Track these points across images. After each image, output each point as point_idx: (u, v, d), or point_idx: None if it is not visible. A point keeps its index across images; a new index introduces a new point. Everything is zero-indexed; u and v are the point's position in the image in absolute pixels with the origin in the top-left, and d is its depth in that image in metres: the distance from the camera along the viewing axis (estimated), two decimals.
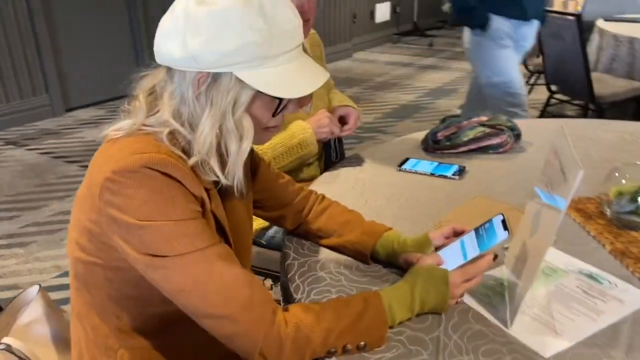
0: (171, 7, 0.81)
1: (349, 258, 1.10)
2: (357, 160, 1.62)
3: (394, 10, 7.29)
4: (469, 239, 1.00)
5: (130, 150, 0.78)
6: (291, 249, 1.14)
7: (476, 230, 1.01)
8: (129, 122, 0.83)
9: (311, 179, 1.66)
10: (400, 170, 1.52)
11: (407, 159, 1.57)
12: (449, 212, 1.29)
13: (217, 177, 0.85)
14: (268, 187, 1.12)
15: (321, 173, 1.68)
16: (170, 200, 0.77)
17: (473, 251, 0.96)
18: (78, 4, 4.42)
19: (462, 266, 0.95)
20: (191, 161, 0.82)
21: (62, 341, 1.03)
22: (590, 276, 1.04)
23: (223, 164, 0.85)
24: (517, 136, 1.67)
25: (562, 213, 0.82)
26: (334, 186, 1.45)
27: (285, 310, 0.84)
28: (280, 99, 0.84)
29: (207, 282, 0.78)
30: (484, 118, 1.70)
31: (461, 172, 1.48)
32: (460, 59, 6.26)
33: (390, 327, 0.88)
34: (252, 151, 1.10)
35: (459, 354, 0.84)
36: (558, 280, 1.03)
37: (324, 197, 1.19)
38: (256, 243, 1.61)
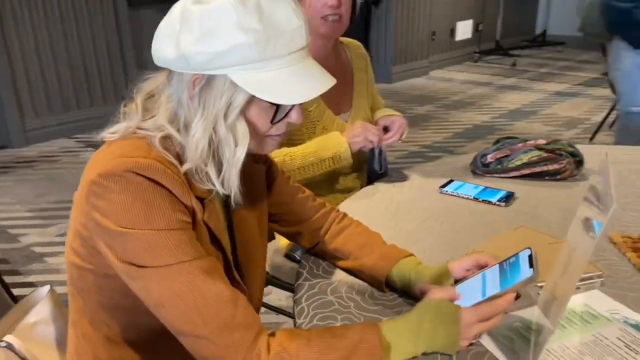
0: (170, 9, 0.78)
1: (365, 283, 1.03)
2: (399, 178, 1.54)
3: (476, 29, 7.07)
4: (492, 274, 0.89)
5: (119, 154, 0.76)
6: (306, 268, 1.08)
7: (500, 264, 0.90)
8: (124, 125, 0.81)
9: (348, 191, 1.60)
10: (441, 192, 1.42)
11: (451, 181, 1.47)
12: (486, 241, 1.18)
13: (213, 185, 0.81)
14: (285, 201, 1.07)
15: (362, 186, 1.61)
16: (154, 208, 0.74)
17: (493, 288, 0.86)
18: None
19: (478, 304, 0.85)
20: (184, 167, 0.78)
21: (65, 344, 1.02)
22: (637, 327, 0.89)
23: (220, 172, 0.81)
24: (579, 163, 1.52)
25: (590, 251, 0.70)
26: (367, 204, 1.38)
27: (272, 335, 0.77)
28: (278, 106, 0.79)
29: (187, 298, 0.74)
30: (541, 141, 1.56)
31: (508, 198, 1.36)
32: (545, 80, 5.95)
33: None
34: (270, 163, 1.06)
35: None
36: (598, 329, 0.90)
37: (344, 215, 1.12)
38: (291, 258, 1.56)
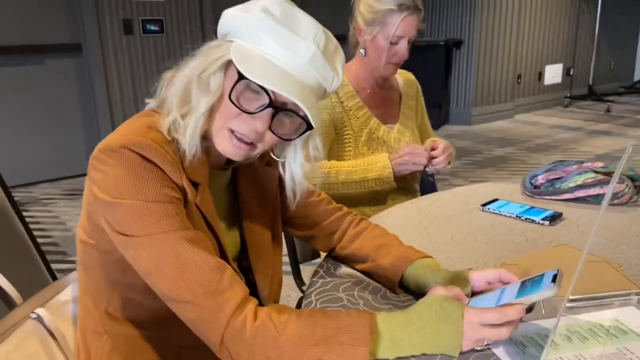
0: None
1: (379, 285, 1.00)
2: (442, 195, 1.50)
3: (567, 73, 6.82)
4: (512, 289, 0.83)
5: (122, 132, 0.82)
6: (323, 267, 1.08)
7: (523, 282, 0.83)
8: (153, 101, 0.88)
9: None
10: (483, 210, 1.37)
11: (495, 200, 1.41)
12: (521, 255, 1.11)
13: (203, 161, 0.85)
14: (297, 205, 1.07)
15: None
16: (144, 181, 0.78)
17: (507, 300, 0.80)
18: None
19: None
20: (165, 123, 0.83)
21: None
22: None
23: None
24: (638, 188, 1.41)
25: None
26: (403, 215, 1.36)
27: (260, 307, 0.78)
28: (240, 78, 0.80)
29: (171, 265, 0.76)
30: (599, 164, 1.46)
31: (554, 218, 1.28)
32: None
33: None
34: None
35: None
36: (624, 343, 0.81)
37: (361, 219, 1.11)
38: None
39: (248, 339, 0.74)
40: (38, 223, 3.38)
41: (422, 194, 1.71)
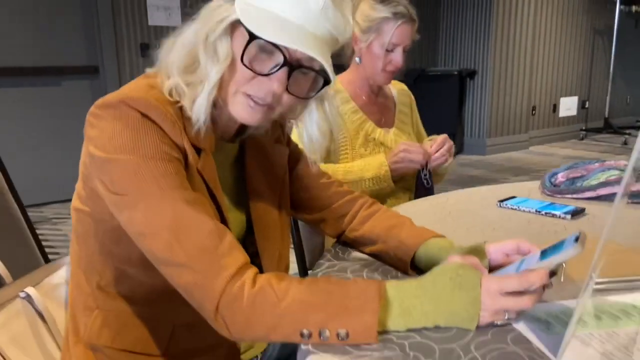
0: None
1: (390, 267, 0.93)
2: (456, 193, 1.44)
3: (582, 106, 6.77)
4: (532, 259, 0.76)
5: (121, 90, 0.77)
6: (331, 252, 1.01)
7: (543, 251, 0.76)
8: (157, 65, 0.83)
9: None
10: (500, 206, 1.30)
11: (513, 197, 1.35)
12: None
13: (183, 100, 0.78)
14: (308, 186, 1.02)
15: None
16: (142, 137, 0.73)
17: (527, 268, 0.73)
18: None
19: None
20: (167, 85, 0.78)
21: None
22: None
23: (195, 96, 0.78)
24: None
25: None
26: (417, 210, 1.29)
27: (260, 274, 0.71)
28: (252, 38, 0.75)
29: (168, 226, 0.70)
30: (623, 162, 1.40)
31: (576, 213, 1.21)
32: None
33: (393, 332, 0.70)
34: (293, 146, 1.03)
35: None
36: None
37: (373, 202, 1.04)
38: None
39: (246, 306, 0.68)
40: (47, 241, 3.35)
41: (417, 188, 1.65)
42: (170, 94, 0.78)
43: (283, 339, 0.69)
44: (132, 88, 0.78)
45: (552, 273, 0.73)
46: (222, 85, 0.79)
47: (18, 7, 3.70)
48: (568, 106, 6.65)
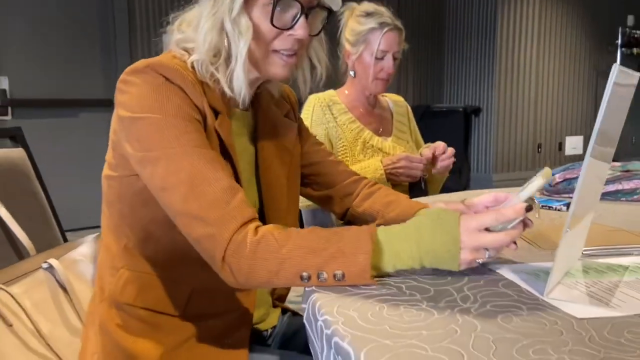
0: None
1: None
2: (465, 192, 1.50)
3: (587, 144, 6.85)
4: (509, 202, 0.83)
5: (149, 59, 0.85)
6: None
7: (519, 193, 0.81)
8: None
9: None
10: None
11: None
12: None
13: (218, 79, 0.87)
14: (316, 162, 1.09)
15: None
16: (166, 98, 0.81)
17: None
18: None
19: None
20: (192, 58, 0.86)
21: None
22: None
23: (227, 68, 0.87)
24: None
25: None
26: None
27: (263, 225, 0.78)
28: (276, 2, 0.84)
29: (186, 179, 0.77)
30: (616, 164, 1.46)
31: None
32: None
33: (385, 275, 0.76)
34: (300, 122, 1.11)
35: (462, 302, 0.67)
36: None
37: (375, 183, 1.11)
38: None
39: (249, 253, 0.74)
40: None
41: (412, 191, 1.72)
42: (193, 67, 0.87)
43: (285, 283, 0.75)
44: (158, 58, 0.86)
45: (528, 208, 0.76)
46: (250, 52, 0.88)
47: (39, 43, 3.88)
48: (574, 145, 6.72)
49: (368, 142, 1.70)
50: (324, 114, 1.71)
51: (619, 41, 6.63)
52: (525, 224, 0.77)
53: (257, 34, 0.87)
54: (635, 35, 6.76)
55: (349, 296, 0.70)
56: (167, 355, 0.88)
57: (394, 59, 1.67)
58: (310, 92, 1.11)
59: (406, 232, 0.76)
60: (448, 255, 0.73)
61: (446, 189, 1.82)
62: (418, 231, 0.75)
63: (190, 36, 0.89)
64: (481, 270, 0.79)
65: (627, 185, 1.37)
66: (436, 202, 0.88)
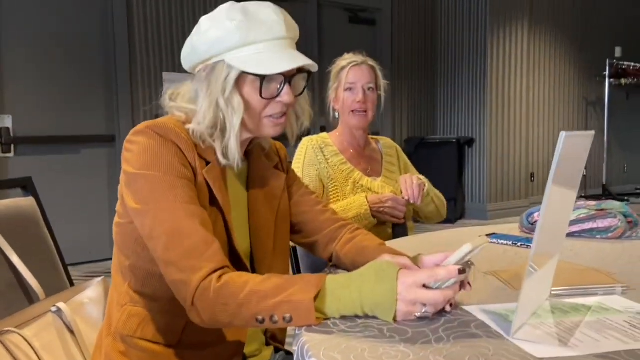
0: None
1: None
2: (438, 233, 1.57)
3: None
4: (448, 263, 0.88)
5: (149, 121, 0.99)
6: (327, 272, 1.14)
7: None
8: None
9: None
10: None
11: (493, 233, 1.48)
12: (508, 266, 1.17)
13: (214, 147, 1.00)
14: (303, 211, 1.18)
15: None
16: (162, 157, 0.94)
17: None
18: None
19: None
20: (190, 126, 0.99)
21: None
22: None
23: (223, 140, 1.00)
24: (634, 224, 1.47)
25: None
26: (398, 242, 1.42)
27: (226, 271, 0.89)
28: (262, 78, 0.96)
29: (168, 231, 0.88)
30: (592, 203, 1.54)
31: None
32: None
33: (327, 318, 0.83)
34: (290, 172, 1.21)
35: (436, 343, 0.75)
36: (605, 315, 0.86)
37: (357, 228, 1.19)
38: None
39: (212, 297, 0.84)
40: None
41: (395, 236, 1.78)
42: (191, 133, 0.99)
43: (244, 325, 0.85)
44: (157, 120, 0.99)
45: (462, 271, 0.82)
46: (243, 122, 1.01)
47: (42, 80, 4.00)
48: None
49: (358, 182, 1.80)
50: (316, 155, 1.83)
51: (607, 72, 6.79)
52: (462, 285, 0.85)
53: (248, 107, 0.99)
54: (623, 67, 6.93)
55: (335, 338, 0.77)
56: None
57: (365, 90, 1.80)
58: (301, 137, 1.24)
59: (351, 280, 0.84)
60: (386, 305, 0.81)
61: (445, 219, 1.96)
62: (361, 280, 0.83)
63: (183, 106, 1.02)
64: (456, 312, 0.87)
65: (601, 223, 1.45)
66: (384, 255, 0.96)
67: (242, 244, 1.05)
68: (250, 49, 0.96)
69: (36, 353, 1.02)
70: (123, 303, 1.02)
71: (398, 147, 2.01)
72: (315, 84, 1.32)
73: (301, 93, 1.07)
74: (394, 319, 0.81)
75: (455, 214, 5.74)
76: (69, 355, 1.08)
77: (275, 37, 0.98)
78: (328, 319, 0.84)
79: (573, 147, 0.79)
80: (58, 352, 1.07)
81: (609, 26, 7.14)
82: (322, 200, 1.22)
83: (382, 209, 1.70)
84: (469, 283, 0.87)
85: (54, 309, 1.09)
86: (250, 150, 1.12)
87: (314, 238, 1.18)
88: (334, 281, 0.84)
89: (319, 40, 5.27)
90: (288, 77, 0.99)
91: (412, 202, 1.72)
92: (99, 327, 1.15)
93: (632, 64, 7.00)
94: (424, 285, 0.81)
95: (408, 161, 2.01)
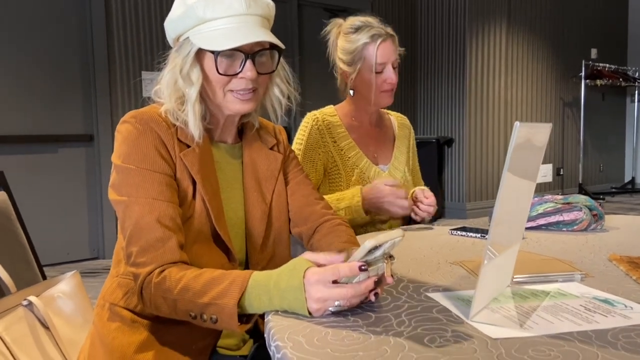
0: None
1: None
2: (412, 232, 1.61)
3: (557, 173, 7.07)
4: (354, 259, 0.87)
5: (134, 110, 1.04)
6: None
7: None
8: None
9: None
10: (452, 234, 1.47)
11: (464, 227, 1.52)
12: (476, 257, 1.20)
13: (184, 122, 1.04)
14: (296, 200, 1.20)
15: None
16: (140, 149, 0.98)
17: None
18: None
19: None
20: (164, 107, 1.04)
21: (79, 319, 1.15)
22: (606, 301, 0.88)
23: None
24: (598, 217, 1.51)
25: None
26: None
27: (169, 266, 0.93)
28: (217, 54, 1.00)
29: (133, 224, 0.94)
30: (558, 197, 1.58)
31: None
32: None
33: (248, 316, 0.87)
34: (289, 153, 1.24)
35: (397, 327, 0.77)
36: (562, 300, 0.89)
37: (339, 223, 1.19)
38: None
39: (153, 291, 0.91)
40: None
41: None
42: (167, 114, 1.03)
43: (184, 318, 0.90)
44: (141, 109, 1.03)
45: (362, 267, 0.80)
46: (209, 98, 1.06)
47: (20, 79, 3.96)
48: (544, 173, 6.93)
49: (364, 173, 1.67)
50: (321, 137, 1.66)
51: (583, 73, 6.92)
52: (379, 280, 0.84)
53: (209, 81, 1.03)
54: (598, 68, 7.07)
55: (301, 323, 0.80)
56: (139, 353, 1.00)
57: (394, 67, 1.63)
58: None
59: (269, 279, 0.84)
60: (297, 303, 0.81)
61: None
62: (279, 278, 0.84)
63: (160, 89, 1.06)
64: (420, 299, 0.90)
65: (567, 216, 1.49)
66: (305, 252, 0.90)
67: (237, 222, 1.09)
68: (209, 26, 1.00)
69: (7, 347, 1.02)
70: (115, 275, 1.08)
71: (412, 129, 1.87)
72: (295, 71, 1.16)
73: (273, 71, 1.07)
74: (310, 314, 0.81)
75: (435, 213, 5.79)
76: (41, 350, 1.08)
77: (234, 14, 1.00)
78: (252, 317, 0.87)
79: (529, 138, 0.83)
80: (30, 346, 1.07)
81: (585, 28, 7.28)
82: (316, 192, 1.23)
83: (379, 204, 1.56)
84: (392, 276, 0.85)
85: (25, 302, 1.09)
86: (244, 130, 1.17)
87: (300, 229, 1.19)
88: (256, 279, 0.85)
89: (299, 39, 5.30)
90: (251, 54, 1.01)
91: (418, 220, 1.62)
92: (73, 321, 1.16)
93: (607, 65, 7.14)
94: (335, 281, 0.80)
95: (415, 148, 1.88)
